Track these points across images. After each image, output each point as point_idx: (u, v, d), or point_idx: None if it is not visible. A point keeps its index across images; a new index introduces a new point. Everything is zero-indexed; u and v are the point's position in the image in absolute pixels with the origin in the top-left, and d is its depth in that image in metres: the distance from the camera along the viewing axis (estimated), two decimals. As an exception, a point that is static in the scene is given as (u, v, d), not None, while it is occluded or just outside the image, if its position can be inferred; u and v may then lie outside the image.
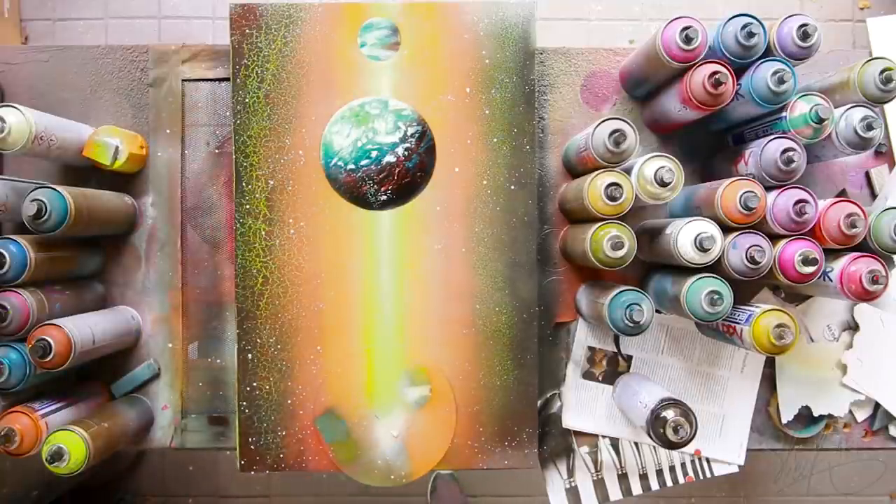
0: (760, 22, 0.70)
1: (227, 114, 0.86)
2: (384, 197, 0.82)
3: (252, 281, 0.81)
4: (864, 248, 0.70)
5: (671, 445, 0.72)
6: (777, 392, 0.86)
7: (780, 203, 0.69)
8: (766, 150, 0.70)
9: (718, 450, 0.87)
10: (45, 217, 0.69)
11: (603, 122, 0.72)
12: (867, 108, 0.69)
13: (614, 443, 0.87)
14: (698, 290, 0.69)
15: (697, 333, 0.86)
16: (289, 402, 0.82)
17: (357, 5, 0.82)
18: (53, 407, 0.75)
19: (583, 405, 0.87)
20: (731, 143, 0.83)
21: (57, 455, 0.69)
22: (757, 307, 0.71)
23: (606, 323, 0.73)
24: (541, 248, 0.86)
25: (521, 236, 0.82)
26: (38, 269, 0.73)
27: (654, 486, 0.87)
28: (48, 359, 0.69)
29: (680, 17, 0.71)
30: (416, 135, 0.82)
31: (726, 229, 0.70)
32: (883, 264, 0.68)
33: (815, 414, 0.86)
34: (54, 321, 0.71)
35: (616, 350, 0.87)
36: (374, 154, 0.81)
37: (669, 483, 0.87)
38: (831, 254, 0.71)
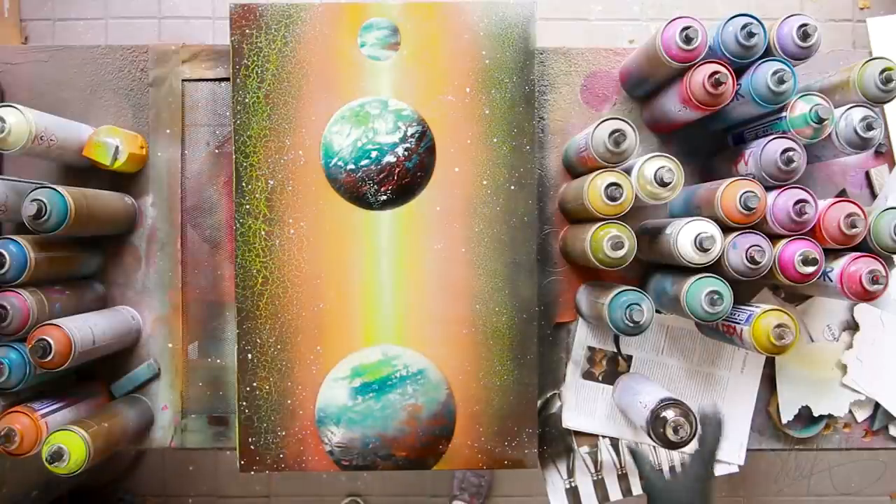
0: (760, 22, 0.70)
1: (227, 114, 0.86)
2: (384, 197, 0.82)
3: (252, 281, 0.81)
4: (864, 248, 0.70)
5: (671, 445, 0.72)
6: (777, 392, 0.86)
7: (780, 203, 0.69)
8: (766, 150, 0.70)
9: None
10: (45, 217, 0.69)
11: (603, 122, 0.72)
12: (867, 108, 0.69)
13: (614, 443, 0.87)
14: (698, 290, 0.69)
15: (697, 333, 0.86)
16: (288, 402, 0.82)
17: (357, 5, 0.82)
18: (53, 407, 0.75)
19: (583, 405, 0.87)
20: (731, 143, 0.83)
21: (57, 455, 0.69)
22: (757, 307, 0.71)
23: (606, 323, 0.73)
24: (541, 248, 0.86)
25: (521, 236, 0.82)
26: (38, 269, 0.73)
27: (654, 486, 0.87)
28: (48, 359, 0.69)
29: (680, 17, 0.71)
30: (416, 135, 0.82)
31: (726, 229, 0.70)
32: (883, 264, 0.68)
33: (815, 414, 0.86)
34: (54, 321, 0.71)
35: (616, 350, 0.87)
36: (374, 154, 0.81)
37: (669, 483, 0.87)
38: (831, 254, 0.71)
